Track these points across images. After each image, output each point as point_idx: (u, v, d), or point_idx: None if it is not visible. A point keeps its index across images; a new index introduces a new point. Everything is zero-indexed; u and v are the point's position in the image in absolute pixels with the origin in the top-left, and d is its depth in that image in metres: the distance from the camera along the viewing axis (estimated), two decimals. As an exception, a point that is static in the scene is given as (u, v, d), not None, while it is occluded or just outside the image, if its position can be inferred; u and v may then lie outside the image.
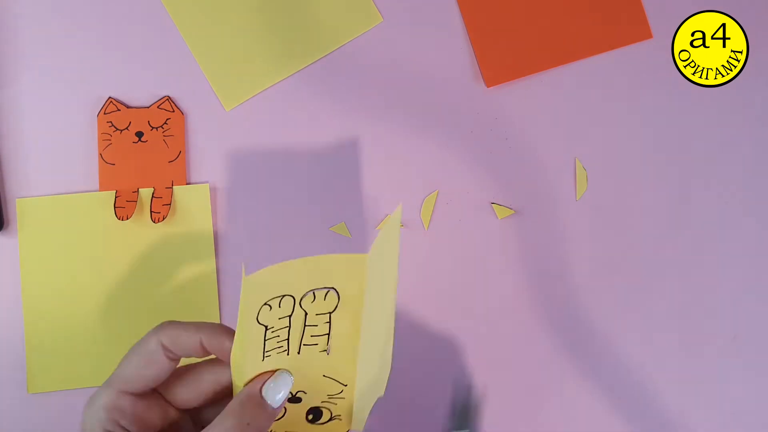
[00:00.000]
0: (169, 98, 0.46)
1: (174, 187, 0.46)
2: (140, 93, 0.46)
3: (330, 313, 0.31)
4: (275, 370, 0.31)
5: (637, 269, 0.48)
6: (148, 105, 0.46)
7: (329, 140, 0.47)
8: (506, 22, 0.48)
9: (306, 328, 0.31)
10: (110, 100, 0.45)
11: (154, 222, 0.45)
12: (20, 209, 0.45)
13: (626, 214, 0.48)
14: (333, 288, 0.31)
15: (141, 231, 0.45)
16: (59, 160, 0.45)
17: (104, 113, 0.45)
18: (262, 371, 0.31)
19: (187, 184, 0.46)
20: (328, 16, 0.47)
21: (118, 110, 0.45)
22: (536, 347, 0.47)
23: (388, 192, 0.47)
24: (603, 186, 0.48)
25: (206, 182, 0.46)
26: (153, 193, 0.45)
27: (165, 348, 0.31)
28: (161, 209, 0.45)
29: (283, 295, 0.30)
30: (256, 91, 0.46)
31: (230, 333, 0.31)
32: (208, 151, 0.46)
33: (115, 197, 0.45)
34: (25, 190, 0.45)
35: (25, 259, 0.45)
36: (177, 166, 0.46)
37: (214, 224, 0.46)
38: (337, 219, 0.47)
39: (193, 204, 0.46)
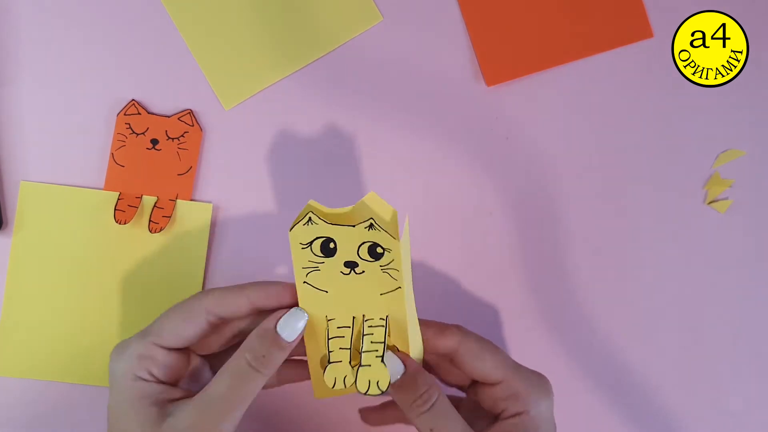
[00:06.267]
0: (191, 112, 0.46)
1: (178, 200, 0.45)
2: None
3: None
4: (291, 307, 0.34)
5: (638, 269, 0.48)
6: (169, 115, 0.46)
7: (328, 140, 0.47)
8: (506, 22, 0.48)
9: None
10: (133, 102, 0.45)
11: (150, 231, 0.44)
12: (22, 192, 0.45)
13: (626, 213, 0.48)
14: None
15: (135, 237, 0.45)
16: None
17: (124, 114, 0.45)
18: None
19: (192, 200, 0.46)
20: (328, 14, 0.47)
21: (139, 113, 0.45)
22: (536, 347, 0.47)
23: (387, 192, 0.47)
24: (603, 185, 0.48)
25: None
26: (155, 203, 0.45)
27: (208, 311, 0.34)
28: (160, 220, 0.45)
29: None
30: (255, 91, 0.46)
31: (278, 285, 0.35)
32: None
33: (118, 199, 0.45)
34: (31, 178, 0.45)
35: (16, 242, 0.45)
36: (185, 181, 0.45)
37: (210, 244, 0.46)
38: (336, 218, 0.46)
39: (193, 221, 0.45)
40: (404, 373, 0.34)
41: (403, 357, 0.34)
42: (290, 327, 0.33)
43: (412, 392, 0.33)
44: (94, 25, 0.46)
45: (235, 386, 0.32)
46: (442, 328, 0.36)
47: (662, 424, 0.47)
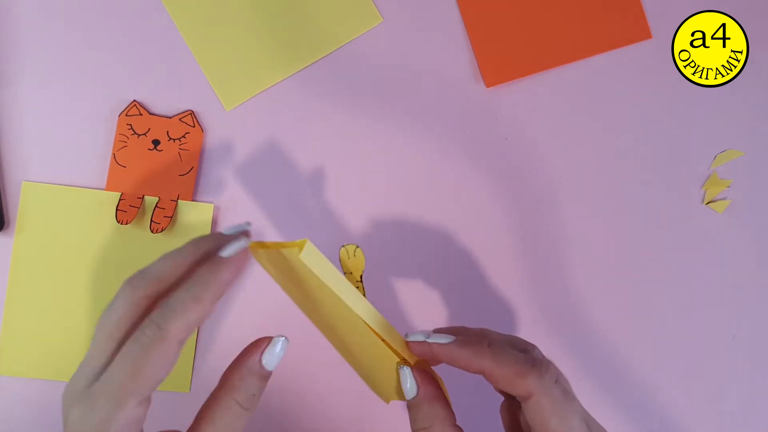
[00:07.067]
0: (192, 113, 0.46)
1: (179, 201, 0.46)
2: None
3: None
4: (272, 338, 0.31)
5: (638, 269, 0.48)
6: (170, 115, 0.46)
7: (328, 140, 0.47)
8: (506, 23, 0.48)
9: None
10: (134, 103, 0.45)
11: (152, 232, 0.45)
12: (24, 192, 0.45)
13: (625, 213, 0.48)
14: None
15: (137, 237, 0.45)
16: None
17: (126, 115, 0.45)
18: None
19: (193, 200, 0.46)
20: (328, 16, 0.47)
21: (140, 114, 0.45)
22: (536, 347, 0.47)
23: (387, 192, 0.47)
24: (602, 185, 0.48)
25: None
26: (157, 203, 0.45)
27: (180, 341, 0.28)
28: (162, 221, 0.45)
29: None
30: (256, 91, 0.47)
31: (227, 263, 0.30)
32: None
33: (119, 200, 0.45)
34: (33, 178, 0.45)
35: (18, 242, 0.45)
36: (186, 181, 0.46)
37: None
38: (336, 218, 0.47)
39: (195, 221, 0.46)
40: (415, 397, 0.32)
41: (422, 380, 0.32)
42: (274, 356, 0.31)
43: (415, 421, 0.32)
44: (95, 26, 0.46)
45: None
46: (522, 372, 0.30)
47: (662, 423, 0.48)
